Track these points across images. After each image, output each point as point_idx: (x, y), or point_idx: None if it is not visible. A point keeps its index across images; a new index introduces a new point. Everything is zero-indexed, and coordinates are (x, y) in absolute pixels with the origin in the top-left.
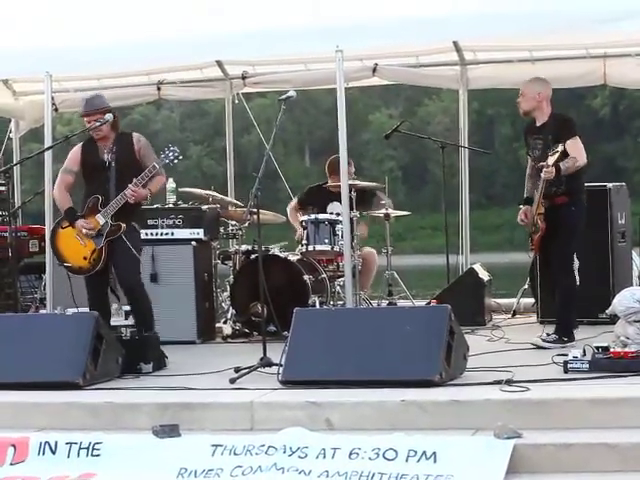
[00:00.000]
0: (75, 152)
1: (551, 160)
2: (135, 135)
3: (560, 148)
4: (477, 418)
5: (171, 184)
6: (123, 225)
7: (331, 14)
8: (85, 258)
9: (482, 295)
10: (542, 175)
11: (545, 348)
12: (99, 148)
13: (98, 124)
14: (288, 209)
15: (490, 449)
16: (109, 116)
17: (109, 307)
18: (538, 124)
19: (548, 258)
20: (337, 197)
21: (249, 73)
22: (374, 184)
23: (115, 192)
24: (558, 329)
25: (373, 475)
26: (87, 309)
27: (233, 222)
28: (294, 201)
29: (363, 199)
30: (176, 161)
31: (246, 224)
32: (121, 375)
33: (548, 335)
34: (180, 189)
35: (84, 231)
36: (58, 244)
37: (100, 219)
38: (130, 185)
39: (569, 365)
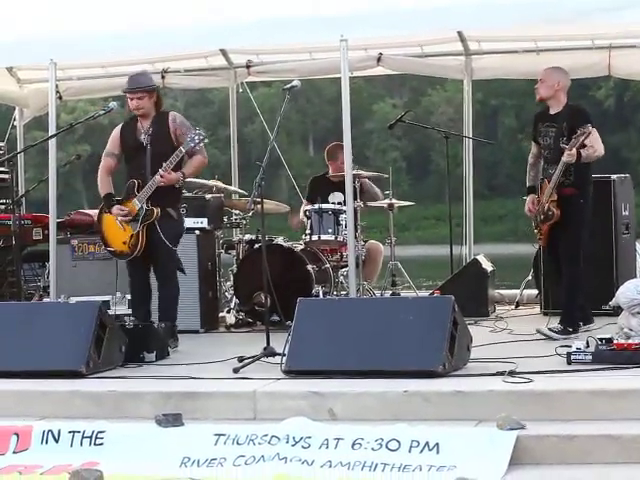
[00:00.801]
0: (115, 134)
1: (575, 143)
2: (171, 114)
3: (588, 129)
4: (480, 409)
5: None
6: (157, 210)
7: (336, 3)
8: (124, 243)
9: (485, 286)
10: (563, 158)
11: (550, 337)
12: (137, 129)
13: (102, 112)
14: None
15: (493, 440)
16: (113, 104)
17: (149, 293)
18: (552, 112)
19: (555, 248)
20: (337, 186)
21: (253, 62)
22: (370, 173)
23: (151, 175)
24: (563, 319)
25: (376, 465)
26: (95, 298)
27: (237, 211)
28: (304, 203)
29: (362, 189)
30: (202, 144)
31: (250, 213)
32: (124, 364)
33: (553, 327)
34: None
35: (119, 218)
36: (103, 228)
37: (136, 204)
38: (160, 170)
39: (572, 356)
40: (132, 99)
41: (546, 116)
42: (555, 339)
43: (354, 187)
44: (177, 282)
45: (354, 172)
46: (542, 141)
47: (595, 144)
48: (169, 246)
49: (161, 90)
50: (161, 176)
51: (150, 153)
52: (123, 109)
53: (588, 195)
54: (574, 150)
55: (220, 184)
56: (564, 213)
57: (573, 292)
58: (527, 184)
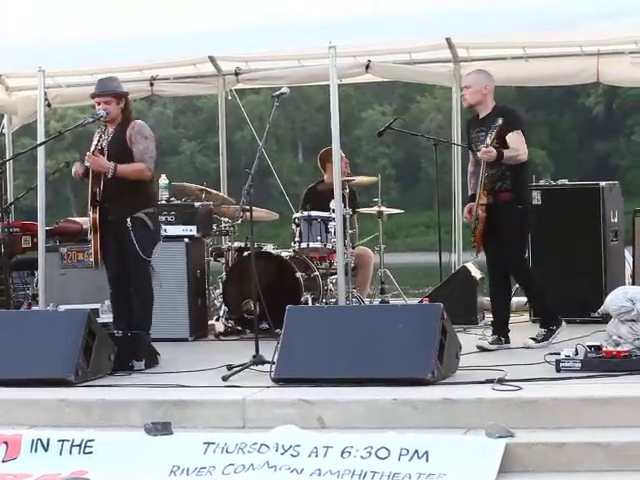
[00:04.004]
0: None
1: (489, 139)
2: (133, 122)
3: (499, 122)
4: (469, 417)
5: (164, 180)
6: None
7: (324, 10)
8: (90, 253)
9: (474, 293)
10: (480, 155)
11: (537, 347)
12: (104, 136)
13: (91, 119)
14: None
15: (482, 448)
16: (102, 112)
17: (126, 306)
18: (481, 117)
19: (492, 256)
20: (331, 196)
21: (242, 69)
22: (365, 178)
23: (107, 182)
24: (543, 322)
25: (365, 474)
26: (84, 306)
27: (226, 219)
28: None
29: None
30: (93, 119)
31: (239, 221)
32: (113, 372)
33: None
34: (173, 183)
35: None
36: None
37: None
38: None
39: (561, 364)
40: (99, 103)
41: (476, 121)
42: (544, 347)
43: (343, 194)
44: (150, 293)
45: (345, 178)
46: (475, 148)
47: (520, 147)
48: (140, 254)
49: (150, 97)
50: (88, 156)
51: (106, 157)
52: None
53: (526, 201)
54: (491, 147)
55: (210, 191)
56: (499, 220)
57: (535, 293)
58: (469, 192)
